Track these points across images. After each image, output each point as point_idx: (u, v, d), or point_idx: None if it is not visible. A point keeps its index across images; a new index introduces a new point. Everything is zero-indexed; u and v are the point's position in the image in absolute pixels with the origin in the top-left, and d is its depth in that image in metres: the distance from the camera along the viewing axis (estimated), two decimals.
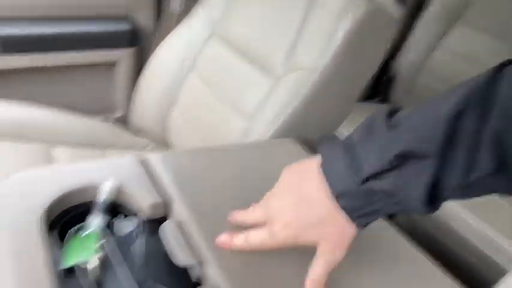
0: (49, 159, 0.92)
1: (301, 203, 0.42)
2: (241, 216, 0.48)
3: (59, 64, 1.17)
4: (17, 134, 0.96)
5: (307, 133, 0.82)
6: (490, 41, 1.37)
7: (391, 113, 0.39)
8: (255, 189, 0.48)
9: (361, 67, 0.84)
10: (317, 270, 0.42)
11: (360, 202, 0.39)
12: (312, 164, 0.42)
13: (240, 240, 0.45)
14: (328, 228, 0.41)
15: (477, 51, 1.39)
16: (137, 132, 1.18)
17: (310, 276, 0.42)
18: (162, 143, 1.14)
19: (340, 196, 0.39)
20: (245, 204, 0.48)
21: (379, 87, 1.58)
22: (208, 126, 1.00)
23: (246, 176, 0.61)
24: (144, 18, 1.27)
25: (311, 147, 0.75)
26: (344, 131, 1.26)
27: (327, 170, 0.40)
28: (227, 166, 0.63)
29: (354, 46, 0.79)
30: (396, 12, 0.82)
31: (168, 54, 1.13)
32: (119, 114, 1.32)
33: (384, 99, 1.60)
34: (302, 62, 0.83)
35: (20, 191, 0.49)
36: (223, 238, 0.46)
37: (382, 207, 0.38)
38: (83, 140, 1.04)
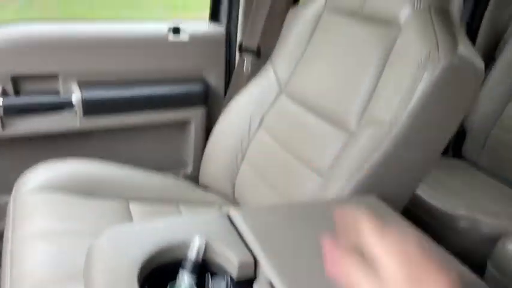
0: (128, 215, 0.95)
1: None
2: None
3: (136, 124, 1.25)
4: (96, 190, 1.01)
5: (386, 190, 0.79)
6: None
7: None
8: None
9: (443, 121, 0.81)
10: None
11: None
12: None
13: None
14: None
15: None
16: (207, 188, 1.20)
17: None
18: (231, 198, 1.15)
19: None
20: None
21: (450, 141, 1.51)
22: (279, 182, 0.99)
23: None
24: (215, 78, 1.33)
25: (391, 204, 0.71)
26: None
27: None
28: (310, 223, 0.61)
29: (435, 99, 0.76)
30: (480, 63, 0.79)
31: (237, 112, 1.16)
32: (189, 170, 1.35)
33: (456, 154, 1.53)
34: (378, 117, 0.81)
35: (115, 247, 0.50)
36: None
37: None
38: (157, 195, 1.07)
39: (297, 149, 0.98)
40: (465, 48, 0.76)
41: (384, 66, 0.85)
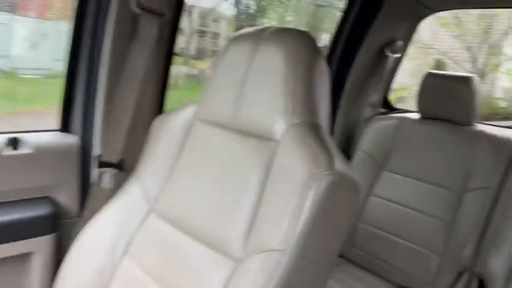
0: None
1: None
2: None
3: None
4: None
5: None
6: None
7: None
8: None
9: (331, 237, 0.76)
10: None
11: None
12: None
13: None
14: None
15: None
16: None
17: None
18: None
19: None
20: None
21: None
22: None
23: None
24: (67, 198, 1.12)
25: None
26: None
27: None
28: None
29: (323, 218, 0.71)
30: (355, 177, 0.78)
31: (95, 238, 0.96)
32: None
33: None
34: (266, 243, 0.72)
35: None
36: None
37: None
38: None
39: (170, 281, 0.82)
40: (341, 163, 0.75)
41: (264, 184, 0.78)
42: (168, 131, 0.96)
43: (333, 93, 0.86)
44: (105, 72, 1.09)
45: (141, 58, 1.04)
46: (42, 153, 1.08)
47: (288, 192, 0.72)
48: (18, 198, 1.05)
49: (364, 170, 1.61)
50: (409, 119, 1.62)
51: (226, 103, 0.88)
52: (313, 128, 0.80)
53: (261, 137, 0.82)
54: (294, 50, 0.82)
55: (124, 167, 1.09)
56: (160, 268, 0.85)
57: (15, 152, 1.03)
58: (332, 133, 1.73)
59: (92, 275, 0.91)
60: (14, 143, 1.04)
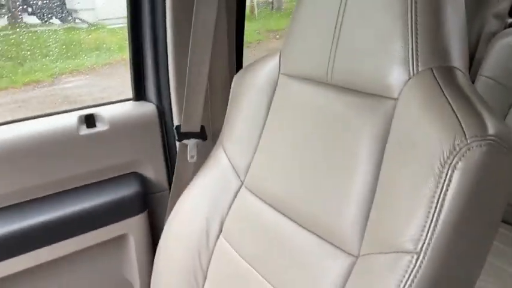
0: None
1: None
2: None
3: (64, 254, 0.92)
4: None
5: None
6: None
7: None
8: None
9: (486, 226, 0.56)
10: None
11: None
12: None
13: None
14: None
15: None
16: None
17: None
18: None
19: None
20: None
21: None
22: None
23: None
24: (154, 173, 1.03)
25: None
26: None
27: None
28: None
29: (473, 206, 0.51)
30: None
31: (188, 216, 0.87)
32: None
33: None
34: (392, 239, 0.55)
35: None
36: None
37: None
38: None
39: (272, 271, 0.70)
40: (493, 120, 0.52)
41: (379, 159, 0.59)
42: (250, 88, 0.80)
43: None
44: (172, 31, 0.94)
45: (209, 11, 0.86)
46: (121, 127, 0.99)
47: (419, 173, 0.52)
48: (106, 178, 0.99)
49: (490, 102, 1.31)
50: None
51: (317, 52, 0.68)
52: (448, 75, 0.57)
53: (370, 93, 0.62)
54: None
55: (206, 135, 0.96)
56: (259, 255, 0.73)
57: (92, 130, 0.95)
58: None
59: (190, 257, 0.84)
60: (90, 120, 0.95)
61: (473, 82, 1.35)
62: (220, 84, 1.00)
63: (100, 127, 0.96)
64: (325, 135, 0.67)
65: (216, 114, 1.03)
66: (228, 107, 0.85)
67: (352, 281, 0.59)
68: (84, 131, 0.94)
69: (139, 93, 1.05)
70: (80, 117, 0.95)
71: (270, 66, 0.78)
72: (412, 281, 0.51)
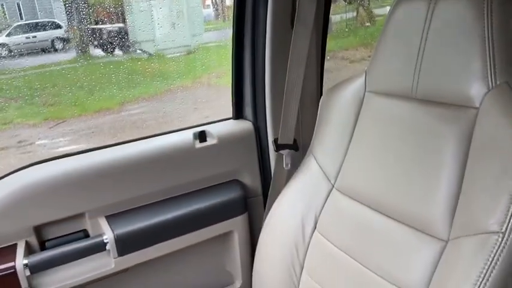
0: None
1: None
2: None
3: (175, 249, 1.11)
4: None
5: None
6: None
7: None
8: None
9: None
10: None
11: None
12: None
13: None
14: None
15: None
16: None
17: None
18: None
19: None
20: None
21: None
22: None
23: None
24: (250, 180, 1.22)
25: None
26: None
27: None
28: None
29: None
30: None
31: (285, 214, 1.01)
32: (238, 284, 1.19)
33: None
34: (479, 224, 0.66)
35: None
36: None
37: None
38: None
39: (368, 258, 0.82)
40: None
41: (463, 159, 0.71)
42: (338, 104, 0.94)
43: None
44: (270, 57, 1.13)
45: (303, 39, 1.04)
46: (224, 141, 1.18)
47: (501, 167, 0.65)
48: (213, 184, 1.18)
49: None
50: None
51: (402, 68, 0.80)
52: None
53: (452, 104, 0.75)
54: None
55: (298, 147, 1.13)
56: (354, 245, 0.85)
57: (204, 144, 1.15)
58: None
59: (288, 250, 0.97)
60: (202, 135, 1.16)
61: None
62: (310, 103, 1.18)
63: (210, 141, 1.16)
64: (412, 141, 0.79)
65: (306, 129, 1.20)
66: (317, 121, 0.99)
67: (443, 262, 0.70)
68: (198, 144, 1.15)
69: (239, 113, 1.26)
70: (195, 133, 1.15)
71: (356, 85, 0.92)
72: (498, 259, 0.62)
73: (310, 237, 0.95)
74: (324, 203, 0.94)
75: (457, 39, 0.73)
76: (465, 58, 0.72)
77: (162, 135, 1.19)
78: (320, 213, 0.94)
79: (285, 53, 1.07)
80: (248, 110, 1.24)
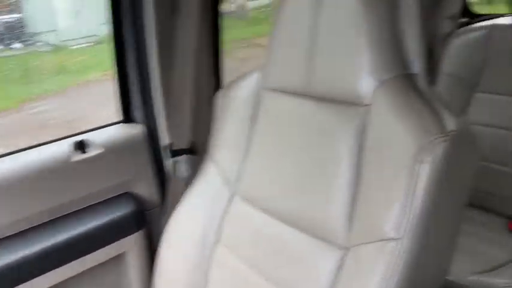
0: None
1: None
2: None
3: (65, 279, 0.95)
4: None
5: None
6: None
7: None
8: None
9: (454, 209, 0.64)
10: None
11: None
12: None
13: None
14: None
15: None
16: None
17: None
18: None
19: None
20: None
21: None
22: None
23: None
24: (146, 191, 1.08)
25: None
26: None
27: None
28: None
29: (442, 194, 0.59)
30: (470, 127, 0.64)
31: (184, 228, 0.91)
32: None
33: None
34: (375, 230, 0.62)
35: None
36: None
37: None
38: None
39: (270, 270, 0.76)
40: (452, 118, 0.61)
41: (359, 159, 0.67)
42: (234, 104, 0.86)
43: None
44: (155, 53, 1.00)
45: (188, 30, 0.93)
46: (112, 150, 1.03)
47: (394, 170, 0.61)
48: (100, 200, 1.03)
49: (453, 97, 1.41)
50: (500, 25, 1.37)
51: (295, 66, 0.75)
52: (410, 81, 0.66)
53: (344, 101, 0.69)
54: None
55: (196, 150, 1.02)
56: (257, 257, 0.79)
57: (85, 156, 1.00)
58: None
59: (188, 266, 0.88)
60: (81, 146, 1.00)
61: (436, 80, 1.45)
62: (208, 101, 1.06)
63: (91, 152, 1.00)
64: (309, 142, 0.74)
65: (205, 130, 1.09)
66: (214, 122, 0.90)
67: (345, 270, 0.66)
68: (76, 157, 0.99)
69: (128, 116, 1.10)
70: (70, 144, 0.99)
71: (252, 81, 0.85)
72: (397, 264, 0.59)
73: (213, 251, 0.87)
74: (226, 212, 0.86)
75: (345, 32, 0.67)
76: (353, 53, 0.67)
77: (37, 147, 1.01)
78: (222, 223, 0.86)
79: (172, 47, 0.94)
80: (138, 112, 1.09)
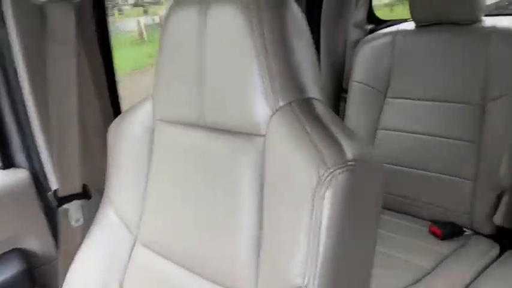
0: None
1: None
2: None
3: None
4: None
5: None
6: None
7: None
8: None
9: (364, 241, 0.59)
10: None
11: None
12: None
13: None
14: None
15: None
16: None
17: None
18: None
19: None
20: None
21: None
22: None
23: None
24: (38, 245, 0.94)
25: None
26: None
27: None
28: None
29: (347, 228, 0.54)
30: (372, 151, 0.60)
31: (81, 283, 0.79)
32: None
33: None
34: (283, 275, 0.55)
35: None
36: None
37: None
38: None
39: None
40: (353, 145, 0.55)
41: (260, 197, 0.60)
42: (127, 138, 0.77)
43: (308, 18, 0.64)
44: (27, 86, 0.86)
45: (65, 58, 0.81)
46: None
47: (294, 208, 0.54)
48: None
49: (365, 104, 1.41)
50: (403, 31, 1.39)
51: (185, 95, 0.67)
52: (306, 107, 0.59)
53: (240, 132, 0.62)
54: (253, 3, 0.59)
55: (89, 193, 0.90)
56: None
57: None
58: (319, 68, 1.52)
59: None
60: None
61: (348, 89, 1.45)
62: (95, 135, 0.94)
63: None
64: (208, 179, 0.66)
65: (99, 170, 0.97)
66: (108, 160, 0.80)
67: None
68: None
69: (8, 160, 0.95)
70: None
71: (145, 112, 0.76)
72: None
73: None
74: (128, 262, 0.77)
75: (233, 60, 0.60)
76: (245, 81, 0.60)
77: None
78: (124, 275, 0.76)
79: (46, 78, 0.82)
80: (20, 155, 0.94)
